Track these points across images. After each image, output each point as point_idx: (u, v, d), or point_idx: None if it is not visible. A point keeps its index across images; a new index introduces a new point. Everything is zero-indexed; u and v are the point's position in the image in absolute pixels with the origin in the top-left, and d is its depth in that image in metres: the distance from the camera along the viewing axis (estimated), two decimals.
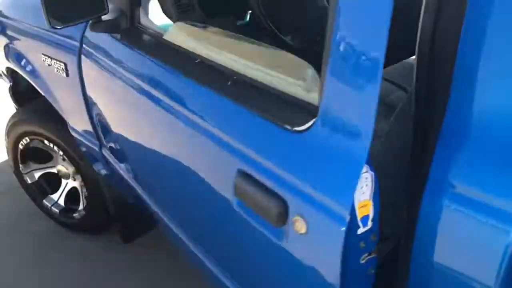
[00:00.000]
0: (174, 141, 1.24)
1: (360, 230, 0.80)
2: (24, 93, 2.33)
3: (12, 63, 2.07)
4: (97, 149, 1.77)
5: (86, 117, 1.69)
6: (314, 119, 0.80)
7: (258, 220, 0.92)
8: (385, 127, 0.97)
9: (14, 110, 2.32)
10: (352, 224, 0.77)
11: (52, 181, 2.28)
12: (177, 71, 1.18)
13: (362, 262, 0.84)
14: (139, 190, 1.58)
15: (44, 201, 2.31)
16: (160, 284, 1.99)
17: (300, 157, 0.83)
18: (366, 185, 0.78)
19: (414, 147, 0.79)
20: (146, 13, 1.41)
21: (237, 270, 1.18)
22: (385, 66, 0.68)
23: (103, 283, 2.02)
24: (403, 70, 1.52)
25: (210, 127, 1.03)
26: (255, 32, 1.36)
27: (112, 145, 1.66)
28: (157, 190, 1.48)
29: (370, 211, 0.80)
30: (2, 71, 2.31)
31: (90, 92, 1.60)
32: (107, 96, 1.56)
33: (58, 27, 1.25)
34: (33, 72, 1.90)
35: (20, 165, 2.28)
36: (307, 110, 0.84)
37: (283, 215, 0.84)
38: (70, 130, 1.87)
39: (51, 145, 2.07)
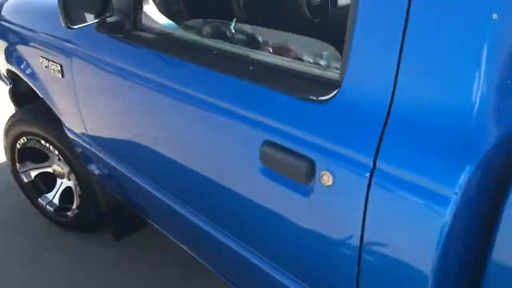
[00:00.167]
0: (187, 129, 1.32)
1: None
2: (23, 96, 2.38)
3: (12, 66, 2.13)
4: (91, 149, 1.81)
5: (80, 118, 1.75)
6: (337, 90, 0.92)
7: (285, 182, 1.02)
8: None
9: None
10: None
11: (48, 180, 2.33)
12: (196, 63, 1.27)
13: None
14: (143, 183, 1.60)
15: (39, 199, 2.35)
16: (154, 281, 2.03)
17: (326, 121, 0.94)
18: None
19: None
20: (148, 15, 1.50)
21: (260, 239, 1.23)
22: None
23: (96, 280, 2.05)
24: None
25: (233, 107, 1.12)
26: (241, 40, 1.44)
27: (111, 143, 1.70)
28: (168, 180, 1.52)
29: None
30: (3, 73, 2.36)
31: (83, 92, 1.66)
32: (101, 95, 1.62)
33: (73, 27, 1.39)
34: (32, 74, 1.96)
35: (17, 164, 2.33)
36: (327, 84, 0.96)
37: (311, 172, 0.95)
38: (66, 131, 1.92)
39: (48, 145, 2.12)
